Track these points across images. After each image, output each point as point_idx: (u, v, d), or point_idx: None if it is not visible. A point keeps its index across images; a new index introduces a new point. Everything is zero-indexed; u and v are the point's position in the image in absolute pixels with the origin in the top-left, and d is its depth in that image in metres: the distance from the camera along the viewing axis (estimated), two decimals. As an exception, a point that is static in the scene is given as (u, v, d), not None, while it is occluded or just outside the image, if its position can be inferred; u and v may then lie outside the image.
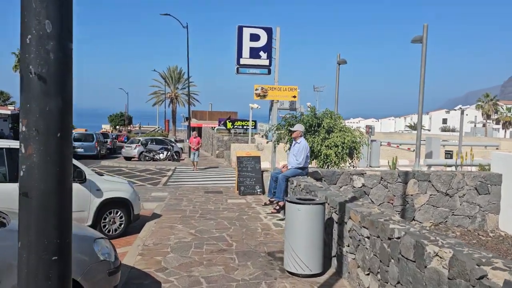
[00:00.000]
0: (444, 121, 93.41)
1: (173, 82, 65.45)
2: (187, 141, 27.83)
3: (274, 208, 8.11)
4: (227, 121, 29.86)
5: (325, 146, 11.41)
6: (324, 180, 9.14)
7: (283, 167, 8.40)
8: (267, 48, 12.63)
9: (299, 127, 8.29)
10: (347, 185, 9.34)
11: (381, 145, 15.01)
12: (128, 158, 26.72)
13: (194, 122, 47.35)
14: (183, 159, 27.76)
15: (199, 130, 51.79)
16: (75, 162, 6.72)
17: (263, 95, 12.60)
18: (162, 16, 29.08)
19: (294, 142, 8.33)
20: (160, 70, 64.35)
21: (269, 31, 12.60)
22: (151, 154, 25.73)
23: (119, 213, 7.20)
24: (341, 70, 19.84)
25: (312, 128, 11.77)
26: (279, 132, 12.35)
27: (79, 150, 26.67)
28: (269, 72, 12.85)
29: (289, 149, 13.10)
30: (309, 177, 8.20)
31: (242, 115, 46.52)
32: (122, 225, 7.26)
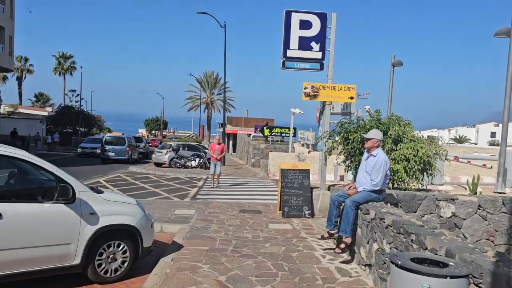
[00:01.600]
0: (493, 134, 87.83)
1: (209, 87, 64.29)
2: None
3: (338, 247, 5.82)
4: (265, 128, 27.78)
5: (391, 159, 9.05)
6: (401, 206, 6.77)
7: (349, 187, 6.12)
8: (320, 38, 10.41)
9: (376, 134, 5.99)
10: (431, 213, 6.93)
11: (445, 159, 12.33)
12: (158, 164, 25.09)
13: (229, 129, 45.63)
14: (216, 167, 25.85)
15: (234, 136, 50.09)
16: (58, 172, 4.74)
17: (314, 95, 10.36)
18: (199, 17, 27.50)
19: (367, 154, 6.03)
20: (196, 75, 63.33)
21: (323, 17, 10.38)
22: (182, 160, 23.96)
23: (121, 246, 5.14)
24: (378, 72, 17.34)
25: (375, 137, 9.43)
26: (332, 140, 10.07)
27: (110, 154, 25.94)
28: (322, 68, 10.62)
29: (344, 161, 10.78)
30: (384, 203, 5.87)
31: (278, 123, 44.36)
32: (126, 263, 5.18)
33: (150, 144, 51.50)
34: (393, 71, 19.62)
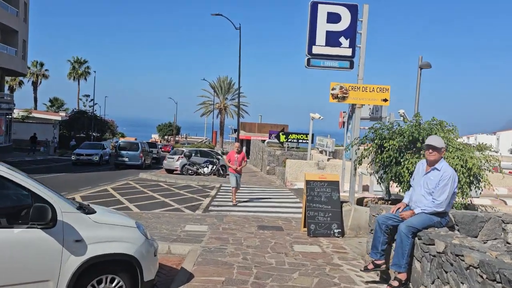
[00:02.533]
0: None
1: (223, 93, 63.49)
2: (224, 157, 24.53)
3: (389, 285, 4.62)
4: (280, 134, 26.61)
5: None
6: (458, 230, 5.55)
7: (397, 208, 4.93)
8: (350, 32, 9.28)
9: (441, 142, 4.78)
10: (496, 239, 5.67)
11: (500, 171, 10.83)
12: (169, 171, 24.13)
13: (242, 134, 44.61)
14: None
15: (247, 142, 49.00)
16: (34, 187, 3.67)
17: (342, 97, 9.21)
18: (213, 21, 26.63)
19: (424, 167, 4.83)
20: (209, 80, 62.54)
21: (353, 9, 9.25)
22: (195, 167, 22.93)
23: (116, 281, 4.04)
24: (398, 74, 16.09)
25: (414, 145, 8.25)
26: (365, 148, 8.89)
27: (124, 159, 25.99)
28: (351, 66, 9.48)
29: (377, 171, 9.55)
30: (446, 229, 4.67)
31: (292, 129, 43.13)
32: (121, 304, 4.08)
33: (162, 150, 50.82)
34: (420, 74, 18.32)
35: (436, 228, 4.46)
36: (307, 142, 26.75)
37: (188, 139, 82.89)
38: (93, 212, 4.18)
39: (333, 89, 9.17)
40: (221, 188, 16.97)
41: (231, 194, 14.51)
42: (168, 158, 24.61)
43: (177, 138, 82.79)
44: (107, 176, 21.09)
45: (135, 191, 14.84)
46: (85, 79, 67.74)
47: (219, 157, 25.70)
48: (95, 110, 64.03)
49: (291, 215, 10.69)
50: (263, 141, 36.36)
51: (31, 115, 49.21)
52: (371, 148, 8.75)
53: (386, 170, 8.56)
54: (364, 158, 9.07)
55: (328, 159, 20.47)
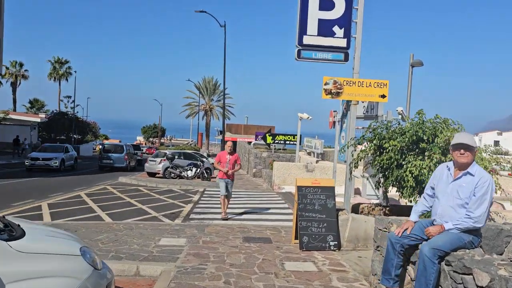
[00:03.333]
0: (496, 143, 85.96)
1: (208, 94, 62.36)
2: (210, 159, 23.39)
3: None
4: (267, 135, 25.68)
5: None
6: (480, 246, 4.65)
7: (411, 229, 3.98)
8: (345, 21, 8.36)
9: (473, 140, 3.86)
10: (524, 256, 4.80)
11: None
12: (151, 174, 22.99)
13: (228, 136, 43.58)
14: (215, 177, 23.72)
15: (233, 144, 47.98)
16: None
17: (336, 93, 8.29)
18: (198, 20, 25.60)
19: (458, 171, 3.87)
20: (195, 81, 61.31)
21: (348, -5, 8.35)
22: (178, 170, 21.82)
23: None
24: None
25: (417, 146, 7.38)
26: (361, 150, 7.99)
27: (108, 161, 26.00)
28: (346, 59, 8.56)
29: (374, 175, 8.63)
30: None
31: (278, 130, 42.29)
32: None
33: (147, 152, 49.43)
34: (411, 72, 17.59)
35: (466, 250, 3.55)
36: (295, 144, 25.90)
37: (173, 141, 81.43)
38: (20, 236, 3.14)
39: (326, 84, 8.25)
40: (205, 192, 15.93)
41: (216, 199, 13.48)
42: (150, 160, 23.45)
43: (162, 140, 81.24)
44: (84, 180, 19.85)
45: (111, 197, 13.70)
46: (67, 79, 65.85)
47: (204, 159, 24.64)
48: (77, 112, 62.33)
49: (280, 223, 9.72)
50: (249, 142, 35.43)
51: (8, 117, 47.30)
52: (368, 150, 7.86)
53: (386, 173, 7.67)
54: (360, 160, 8.17)
55: (317, 161, 19.60)
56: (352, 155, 7.95)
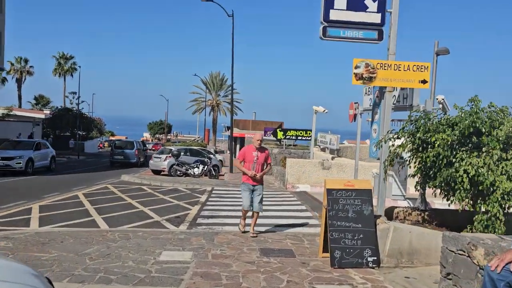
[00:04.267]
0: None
1: (215, 89, 61.15)
2: (228, 152, 22.16)
3: None
4: (278, 130, 24.41)
5: (502, 174, 5.78)
6: None
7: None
8: (379, -8, 7.08)
9: None
10: None
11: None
12: (156, 172, 21.86)
13: (236, 132, 42.37)
14: (223, 175, 22.55)
15: (241, 140, 46.74)
16: None
17: (369, 78, 7.02)
18: (205, 14, 24.30)
19: None
20: (201, 76, 60.17)
21: (383, -38, 7.05)
22: (184, 168, 20.66)
23: None
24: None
25: (470, 140, 6.10)
26: (399, 145, 6.71)
27: (119, 157, 26.88)
28: (380, 37, 7.27)
29: (414, 174, 7.25)
30: None
31: (287, 127, 40.94)
32: None
33: (153, 149, 48.48)
34: (436, 61, 16.21)
35: None
36: (307, 139, 24.64)
37: (179, 137, 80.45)
38: None
39: (356, 67, 6.98)
40: (213, 192, 14.74)
41: (225, 200, 12.29)
42: (155, 157, 22.31)
43: (168, 136, 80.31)
44: (86, 178, 18.76)
45: (110, 197, 12.54)
46: (71, 75, 64.97)
47: (211, 156, 23.46)
48: (82, 108, 61.44)
49: (300, 229, 8.49)
50: (258, 138, 34.18)
51: (12, 113, 46.46)
52: (406, 145, 6.57)
53: (430, 173, 6.40)
54: (396, 157, 6.90)
55: (332, 158, 18.31)
56: (390, 151, 6.66)
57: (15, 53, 64.73)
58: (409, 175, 6.99)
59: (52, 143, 42.31)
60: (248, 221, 7.79)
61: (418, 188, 7.55)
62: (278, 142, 26.02)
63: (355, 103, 12.76)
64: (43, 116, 48.83)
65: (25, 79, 62.46)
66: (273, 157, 23.83)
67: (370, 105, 11.11)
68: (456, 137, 6.04)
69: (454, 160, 5.95)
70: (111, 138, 77.84)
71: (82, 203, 11.31)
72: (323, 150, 21.76)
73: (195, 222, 9.03)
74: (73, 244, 6.35)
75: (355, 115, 12.76)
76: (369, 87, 10.94)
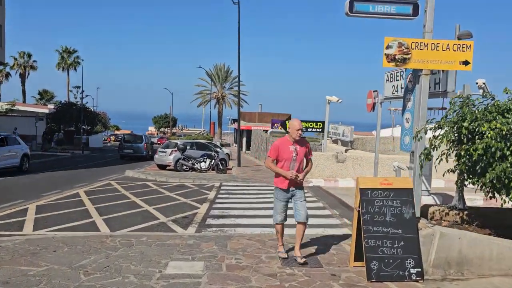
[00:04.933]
0: None
1: (220, 81, 60.18)
2: (235, 145, 21.42)
3: None
4: (287, 122, 23.45)
5: None
6: None
7: None
8: (414, -40, 6.16)
9: None
10: None
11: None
12: (162, 167, 21.09)
13: (242, 124, 41.47)
14: (230, 169, 21.74)
15: (248, 133, 45.88)
16: None
17: (402, 59, 6.12)
18: (211, 5, 23.47)
19: None
20: (206, 68, 59.15)
21: None
22: (190, 162, 19.86)
23: None
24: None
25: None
26: (439, 137, 5.82)
27: (129, 151, 27.26)
28: (415, 12, 6.37)
29: (453, 169, 6.29)
30: None
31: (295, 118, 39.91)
32: None
33: (158, 143, 47.83)
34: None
35: None
36: (318, 131, 23.76)
37: (184, 131, 79.74)
38: None
39: (388, 47, 6.08)
40: (222, 188, 13.93)
41: (235, 197, 11.49)
42: (160, 152, 21.51)
43: (173, 130, 79.62)
44: (89, 174, 18.03)
45: (113, 195, 11.76)
46: (75, 69, 64.27)
47: (218, 149, 22.65)
48: (86, 102, 60.78)
49: (321, 231, 7.65)
50: (265, 131, 33.37)
51: (15, 108, 45.88)
52: (446, 135, 5.68)
53: (477, 168, 5.53)
54: (435, 149, 6.02)
55: (346, 150, 17.42)
56: (433, 144, 5.76)
57: (17, 48, 64.06)
58: (448, 170, 6.09)
59: (62, 139, 41.68)
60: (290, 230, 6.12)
61: (459, 185, 6.70)
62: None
63: (374, 91, 11.85)
64: (46, 111, 48.21)
65: (28, 74, 61.95)
66: (282, 150, 22.95)
67: (393, 93, 10.23)
68: (510, 126, 5.16)
69: (508, 153, 5.08)
70: (116, 132, 77.44)
71: (82, 202, 10.54)
72: (335, 142, 20.87)
73: (204, 223, 8.21)
74: (68, 254, 5.55)
75: (374, 104, 11.85)
76: (393, 73, 10.03)
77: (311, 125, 22.93)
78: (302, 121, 24.37)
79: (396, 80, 9.86)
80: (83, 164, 23.97)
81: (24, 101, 57.54)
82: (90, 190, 12.69)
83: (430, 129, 5.71)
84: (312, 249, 6.18)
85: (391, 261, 4.85)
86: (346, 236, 7.02)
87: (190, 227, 7.86)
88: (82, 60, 58.44)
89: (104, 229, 7.50)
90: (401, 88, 9.62)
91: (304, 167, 5.67)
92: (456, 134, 5.63)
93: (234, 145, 52.76)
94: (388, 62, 6.12)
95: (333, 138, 20.93)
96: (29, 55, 62.64)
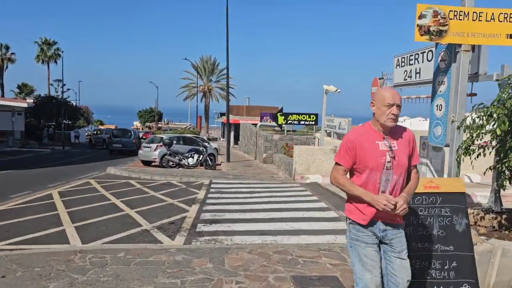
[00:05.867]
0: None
1: (206, 74, 58.67)
2: (223, 139, 20.22)
3: None
4: (278, 115, 22.33)
5: None
6: None
7: None
8: None
9: None
10: None
11: None
12: (146, 163, 19.77)
13: (230, 118, 40.31)
14: (220, 165, 20.54)
15: (236, 127, 44.63)
16: None
17: (438, 31, 4.99)
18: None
19: None
20: (192, 60, 57.52)
21: None
22: (177, 158, 18.60)
23: None
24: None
25: None
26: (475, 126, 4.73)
27: (118, 145, 27.16)
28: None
29: (494, 166, 4.69)
30: None
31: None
32: None
33: (144, 137, 46.28)
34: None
35: None
36: (311, 123, 22.69)
37: (170, 125, 77.95)
38: None
39: (421, 16, 4.95)
40: (212, 185, 12.74)
41: (227, 195, 10.37)
42: (144, 147, 20.17)
43: (159, 124, 77.72)
44: (67, 171, 16.65)
45: (91, 196, 10.47)
46: (55, 62, 61.95)
47: (206, 144, 21.42)
48: (68, 96, 58.65)
49: (332, 238, 6.54)
50: (255, 124, 32.19)
51: (-9, 102, 43.70)
52: (499, 125, 4.59)
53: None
54: (475, 141, 4.93)
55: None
56: (478, 135, 4.66)
57: (-6, 40, 61.67)
58: (491, 167, 5.02)
59: (52, 134, 39.77)
60: None
61: (500, 184, 5.63)
62: (279, 128, 24.01)
63: (380, 78, 10.75)
64: (25, 105, 46.02)
65: (6, 67, 59.50)
66: (274, 144, 21.86)
67: (405, 79, 9.14)
68: None
69: None
70: (100, 127, 75.22)
71: (54, 205, 9.23)
72: (328, 135, 19.80)
73: (194, 231, 7.02)
74: (20, 281, 4.31)
75: (380, 93, 10.76)
76: (405, 57, 8.93)
77: (303, 117, 21.84)
78: (295, 113, 23.22)
79: (410, 64, 8.76)
80: (62, 160, 22.49)
81: (2, 95, 55.23)
82: (65, 191, 11.37)
83: (478, 116, 4.60)
84: (329, 264, 5.06)
85: (440, 286, 3.74)
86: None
87: (178, 236, 6.66)
88: (62, 52, 56.18)
89: (74, 241, 6.25)
90: (416, 73, 8.54)
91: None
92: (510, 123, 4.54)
93: (222, 139, 51.44)
94: (421, 35, 4.99)
95: (327, 131, 19.86)
96: (7, 47, 60.23)
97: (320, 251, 5.65)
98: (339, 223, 7.75)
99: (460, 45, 5.12)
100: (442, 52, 5.60)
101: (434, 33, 4.98)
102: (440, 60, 5.68)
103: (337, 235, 6.77)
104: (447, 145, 5.43)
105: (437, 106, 5.80)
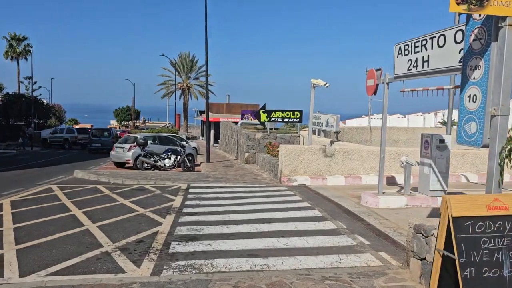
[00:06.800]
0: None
1: (185, 71, 56.95)
2: (202, 138, 18.90)
3: None
4: (261, 112, 21.11)
5: None
6: None
7: None
8: None
9: None
10: None
11: None
12: (119, 164, 18.25)
13: (210, 116, 38.93)
14: (199, 165, 19.18)
15: (215, 125, 43.23)
16: None
17: (479, 2, 3.84)
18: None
19: None
20: (170, 57, 55.80)
21: None
22: (152, 159, 17.15)
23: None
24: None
25: None
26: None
27: (97, 145, 27.40)
28: None
29: None
30: None
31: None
32: None
33: (121, 136, 44.45)
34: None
35: None
36: (295, 121, 21.59)
37: (148, 124, 75.81)
38: None
39: (458, -20, 3.80)
40: (190, 190, 11.43)
41: (209, 203, 9.09)
42: (117, 147, 18.62)
43: (136, 123, 75.44)
44: (28, 175, 15.03)
45: (48, 207, 9.02)
46: (26, 58, 58.96)
47: (184, 143, 20.04)
48: (40, 94, 56.05)
49: (336, 260, 5.35)
50: (235, 122, 30.91)
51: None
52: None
53: None
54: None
55: (331, 142, 15.30)
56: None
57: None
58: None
59: (32, 134, 37.63)
60: None
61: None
62: (261, 126, 22.82)
63: (377, 70, 9.67)
64: (-9, 104, 43.61)
65: (-27, 63, 56.44)
66: (256, 143, 20.66)
67: (409, 69, 8.05)
68: None
69: None
70: (75, 126, 72.42)
71: (1, 219, 7.77)
72: (315, 133, 18.72)
73: (167, 253, 5.72)
74: None
75: (377, 86, 9.68)
76: (410, 44, 7.84)
77: (287, 114, 20.69)
78: (277, 110, 21.96)
79: (415, 52, 7.68)
80: (27, 163, 20.72)
81: (-31, 94, 52.24)
82: (20, 200, 9.88)
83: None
84: (341, 305, 3.87)
85: None
86: (377, 271, 4.77)
87: (146, 260, 5.35)
88: (31, 47, 53.56)
89: (9, 273, 4.87)
90: (424, 61, 7.46)
91: None
92: None
93: (201, 138, 49.95)
94: (458, 4, 3.85)
95: (313, 128, 18.78)
96: (-27, 43, 57.00)
97: (325, 281, 4.46)
98: (340, 238, 6.59)
99: (504, 18, 4.01)
100: (476, 29, 4.47)
101: (474, 1, 3.85)
102: (474, 40, 4.55)
103: (340, 255, 5.60)
104: (485, 146, 4.30)
105: (469, 97, 4.66)
